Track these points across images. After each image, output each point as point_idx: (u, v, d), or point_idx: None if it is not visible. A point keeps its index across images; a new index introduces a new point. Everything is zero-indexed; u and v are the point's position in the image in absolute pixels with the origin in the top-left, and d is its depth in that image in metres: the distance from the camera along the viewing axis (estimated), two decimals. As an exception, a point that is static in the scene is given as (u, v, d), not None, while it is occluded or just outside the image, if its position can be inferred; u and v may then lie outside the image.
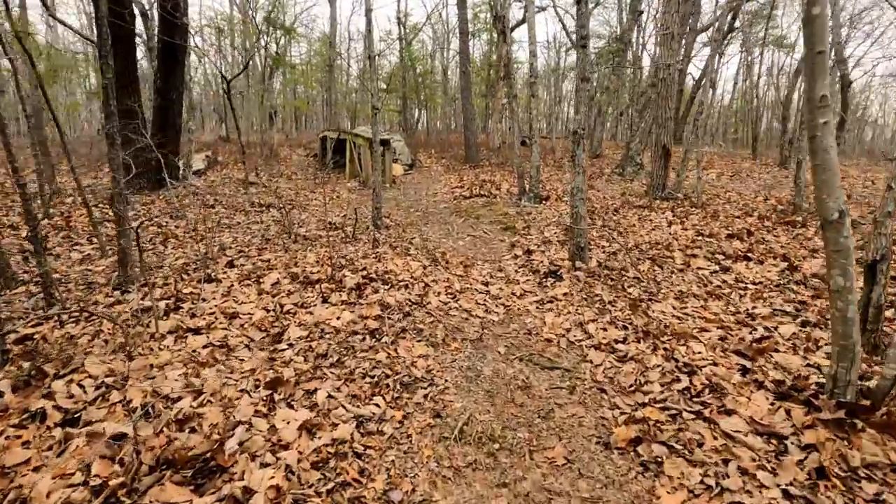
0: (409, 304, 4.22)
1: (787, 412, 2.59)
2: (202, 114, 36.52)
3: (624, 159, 13.80)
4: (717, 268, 5.30)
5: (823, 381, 2.76)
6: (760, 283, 4.86)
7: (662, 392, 2.91)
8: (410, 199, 10.81)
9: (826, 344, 3.37)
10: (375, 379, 3.07)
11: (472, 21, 24.85)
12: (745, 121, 29.84)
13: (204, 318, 3.78)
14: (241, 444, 2.32)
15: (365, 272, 4.80)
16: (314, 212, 9.07)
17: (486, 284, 5.01)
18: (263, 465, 2.24)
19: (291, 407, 2.72)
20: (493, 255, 6.31)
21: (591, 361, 3.41)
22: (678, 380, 3.01)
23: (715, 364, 3.14)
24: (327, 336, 3.58)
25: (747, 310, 4.14)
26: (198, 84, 31.82)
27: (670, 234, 6.71)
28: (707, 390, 2.87)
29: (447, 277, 5.03)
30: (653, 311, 4.11)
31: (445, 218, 8.63)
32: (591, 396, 3.04)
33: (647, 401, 2.86)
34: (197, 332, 3.57)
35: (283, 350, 3.38)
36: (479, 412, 2.89)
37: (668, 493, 2.19)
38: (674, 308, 4.22)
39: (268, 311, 3.95)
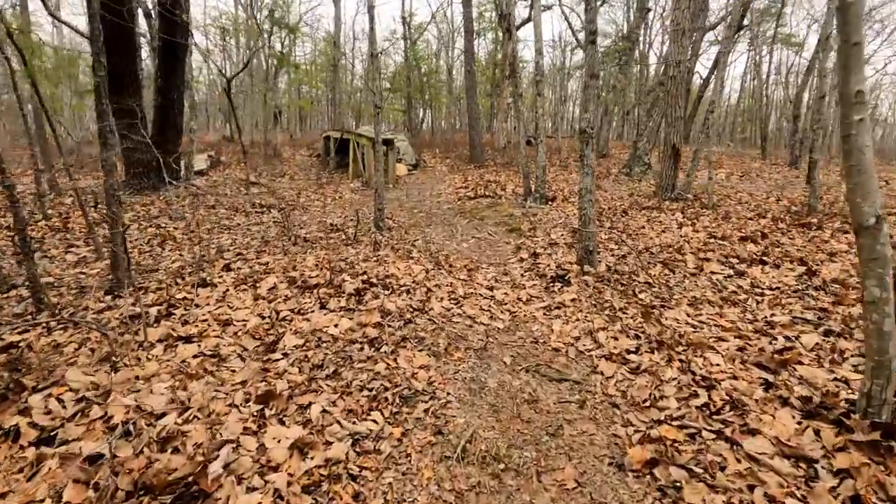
0: (411, 310, 4.05)
1: (817, 433, 2.39)
2: (207, 114, 36.55)
3: (631, 159, 13.58)
4: (731, 272, 5.09)
5: (854, 398, 2.57)
6: (777, 288, 4.65)
7: (679, 408, 2.72)
8: (414, 199, 10.64)
9: (853, 355, 3.17)
10: (373, 392, 2.90)
11: (478, 20, 24.67)
12: (754, 120, 29.52)
13: (196, 326, 3.63)
14: (226, 466, 2.15)
15: (365, 276, 4.64)
16: (316, 213, 8.92)
17: (491, 289, 4.83)
18: (250, 490, 2.07)
19: (283, 423, 2.56)
20: (499, 257, 6.13)
21: (602, 373, 3.22)
22: (696, 395, 2.82)
23: (735, 378, 2.95)
24: (324, 345, 3.42)
25: (765, 317, 3.94)
26: (203, 84, 31.83)
27: (681, 236, 6.51)
28: (727, 407, 2.68)
29: (450, 282, 4.86)
30: (666, 319, 3.92)
31: (449, 219, 8.45)
32: (602, 412, 2.86)
33: (662, 418, 2.67)
34: (188, 340, 3.41)
35: (278, 360, 3.21)
36: (483, 428, 2.71)
37: (689, 524, 2.01)
38: (688, 315, 4.02)
39: (263, 317, 3.79)
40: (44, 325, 3.65)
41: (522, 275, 5.31)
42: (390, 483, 2.25)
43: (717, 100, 8.52)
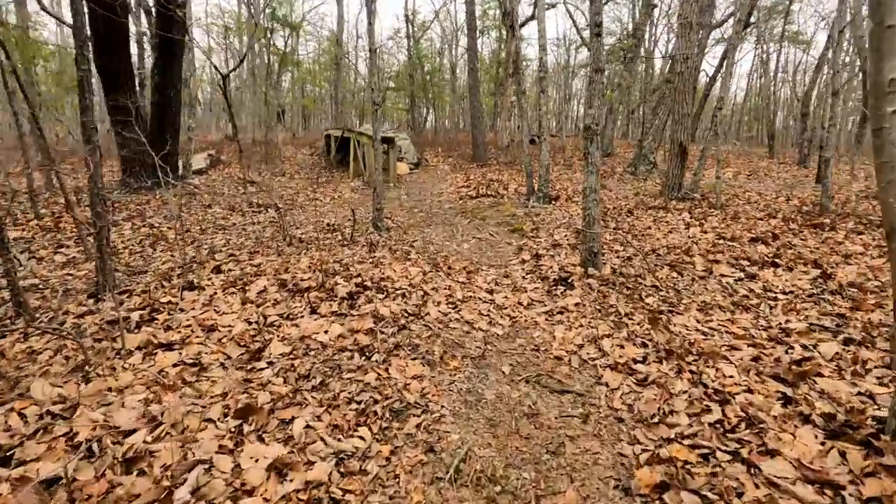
0: (406, 315, 3.86)
1: (842, 454, 2.19)
2: (212, 112, 36.46)
3: (636, 158, 13.35)
4: (741, 275, 4.88)
5: (882, 415, 2.36)
6: (791, 292, 4.43)
7: (691, 425, 2.52)
8: (415, 198, 10.46)
9: (876, 366, 2.96)
10: (362, 405, 2.71)
11: (481, 17, 24.44)
12: (760, 118, 29.19)
13: (179, 332, 3.45)
14: (195, 490, 1.97)
15: (359, 279, 4.45)
16: (314, 212, 8.75)
17: (491, 292, 4.63)
18: (220, 518, 1.89)
19: (262, 440, 2.37)
20: (500, 259, 5.93)
21: (607, 384, 3.02)
22: (708, 410, 2.61)
23: (750, 391, 2.74)
24: (312, 353, 3.23)
25: (780, 324, 3.72)
26: (206, 82, 31.76)
27: (689, 237, 6.29)
28: (743, 424, 2.47)
29: (449, 285, 4.66)
30: (674, 326, 3.71)
31: (450, 219, 8.26)
32: (607, 427, 2.66)
33: (672, 436, 2.47)
34: (169, 347, 3.23)
35: (262, 369, 3.03)
36: (478, 446, 2.51)
37: (704, 560, 1.81)
38: (698, 322, 3.81)
39: (250, 323, 3.61)
40: (21, 330, 3.49)
41: (524, 277, 5.11)
42: (375, 509, 2.06)
43: (725, 96, 8.28)
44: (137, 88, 14.79)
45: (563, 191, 10.28)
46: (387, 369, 3.07)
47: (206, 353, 3.17)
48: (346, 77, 29.44)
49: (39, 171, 8.01)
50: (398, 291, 4.27)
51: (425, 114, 31.31)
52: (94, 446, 2.16)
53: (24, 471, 2.02)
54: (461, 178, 12.59)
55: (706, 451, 2.33)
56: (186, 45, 9.87)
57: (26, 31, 10.70)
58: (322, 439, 2.41)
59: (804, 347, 3.29)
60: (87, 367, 2.85)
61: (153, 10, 13.38)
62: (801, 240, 6.07)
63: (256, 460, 2.21)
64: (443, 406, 2.81)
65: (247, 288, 4.25)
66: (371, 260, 5.20)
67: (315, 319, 3.68)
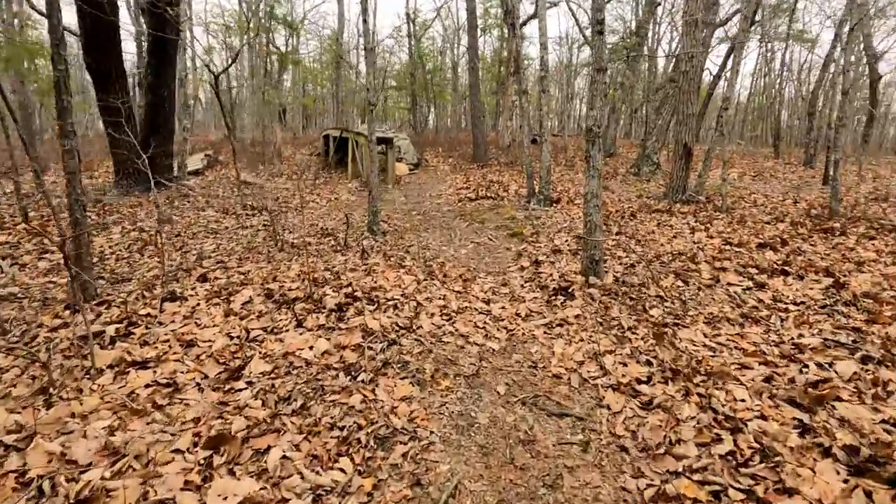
0: (396, 328, 3.66)
1: (868, 495, 1.99)
2: (213, 112, 36.29)
3: (639, 158, 13.13)
4: (750, 284, 4.67)
5: (910, 449, 2.16)
6: (803, 303, 4.22)
7: (700, 457, 2.32)
8: (413, 200, 10.26)
9: (899, 389, 2.75)
10: (345, 432, 2.52)
11: (483, 16, 24.22)
12: (765, 118, 28.90)
13: (156, 347, 3.26)
14: (152, 538, 1.78)
15: (350, 289, 4.25)
16: (310, 215, 8.56)
17: (488, 302, 4.43)
18: (178, 570, 1.70)
19: (233, 474, 2.18)
20: (498, 265, 5.73)
21: (609, 407, 2.82)
22: (719, 439, 2.41)
23: (763, 417, 2.54)
24: (295, 372, 3.04)
25: (792, 339, 3.52)
26: (207, 82, 31.58)
27: (694, 242, 6.08)
28: (757, 457, 2.27)
29: (443, 294, 4.47)
30: (680, 341, 3.50)
31: (448, 222, 8.06)
32: (609, 457, 2.46)
33: (680, 469, 2.27)
34: (143, 365, 3.04)
35: (240, 390, 2.84)
36: (469, 478, 2.32)
37: None
38: (705, 336, 3.61)
39: (231, 338, 3.42)
40: (-10, 345, 3.31)
41: (522, 286, 4.90)
42: (353, 555, 1.87)
43: (731, 96, 8.05)
44: (136, 89, 14.63)
45: (565, 192, 10.07)
46: (373, 390, 2.88)
47: (182, 372, 2.98)
48: (347, 76, 29.24)
49: (10, 172, 7.80)
50: (390, 302, 4.08)
51: (427, 113, 31.10)
52: (46, 485, 1.97)
53: (-34, 514, 1.83)
54: (461, 180, 12.38)
55: (717, 487, 2.13)
56: (181, 44, 9.67)
57: (17, 31, 10.54)
58: (299, 472, 2.22)
59: (819, 366, 3.08)
60: (51, 390, 2.66)
61: (145, 8, 13.23)
62: (811, 245, 5.85)
63: (225, 498, 2.02)
64: (432, 432, 2.61)
65: (231, 298, 4.05)
66: (364, 267, 5.00)
67: (301, 334, 3.49)
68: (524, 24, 20.97)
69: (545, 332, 3.83)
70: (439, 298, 4.36)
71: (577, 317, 4.01)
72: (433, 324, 3.84)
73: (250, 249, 5.90)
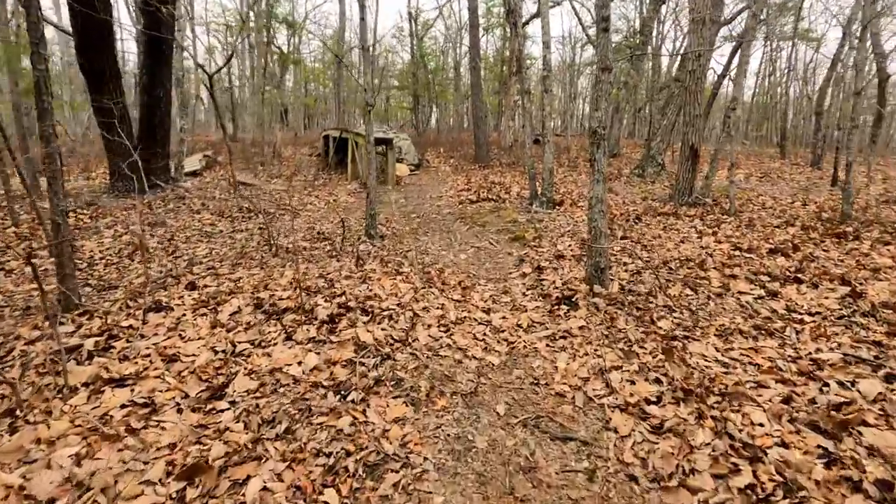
0: (391, 341, 3.48)
1: (906, 539, 1.79)
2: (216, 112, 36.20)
3: (644, 159, 12.92)
4: (762, 293, 4.46)
5: (950, 485, 1.96)
6: (818, 313, 4.02)
7: (717, 490, 2.13)
8: (413, 202, 10.08)
9: (929, 413, 2.55)
10: (331, 459, 2.33)
11: (485, 16, 24.05)
12: (770, 117, 28.64)
13: (136, 362, 3.08)
14: (109, 589, 1.60)
15: (343, 298, 4.07)
16: (307, 218, 8.38)
17: (488, 312, 4.24)
18: None
19: (208, 510, 2.00)
20: (499, 271, 5.54)
21: (616, 430, 2.63)
22: (737, 470, 2.22)
23: (784, 445, 2.35)
24: (281, 390, 2.86)
25: (810, 354, 3.32)
26: (203, 82, 31.46)
27: (702, 247, 5.87)
28: (780, 491, 2.08)
29: (442, 303, 4.28)
30: (691, 355, 3.31)
31: (448, 225, 7.88)
32: (617, 488, 2.27)
33: (695, 504, 2.08)
34: (121, 383, 2.87)
35: (222, 411, 2.66)
36: (465, 512, 2.13)
37: None
38: (716, 350, 3.41)
39: (217, 352, 3.24)
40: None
41: (524, 294, 4.71)
42: None
43: (739, 96, 7.84)
44: (134, 89, 14.46)
45: (568, 194, 9.88)
46: (364, 411, 2.69)
47: (161, 391, 2.80)
48: (349, 76, 29.14)
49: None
50: (385, 313, 3.89)
51: (428, 113, 30.93)
52: (-3, 526, 1.79)
53: None
54: (462, 181, 12.20)
55: (737, 527, 1.94)
56: (177, 43, 9.51)
57: (13, 30, 10.39)
58: (279, 507, 2.03)
59: (841, 385, 2.88)
60: (18, 412, 2.49)
61: (140, 6, 13.09)
62: (824, 251, 5.64)
63: (196, 539, 1.83)
64: (426, 458, 2.42)
65: (219, 308, 3.88)
66: (359, 274, 4.82)
67: (289, 348, 3.30)
68: (526, 23, 20.76)
69: (548, 345, 3.64)
70: (437, 308, 4.17)
71: (581, 328, 3.82)
72: (430, 336, 3.66)
73: (243, 255, 5.72)
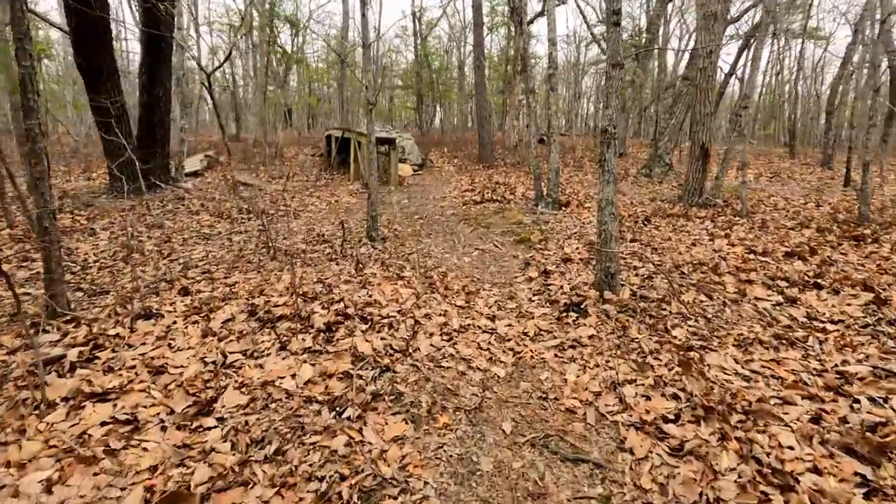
0: (391, 352, 3.30)
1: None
2: (221, 112, 36.16)
3: (651, 159, 12.69)
4: (780, 299, 4.26)
5: None
6: (841, 321, 3.81)
7: (746, 524, 1.94)
8: (416, 203, 9.90)
9: (973, 435, 2.35)
10: (324, 484, 2.16)
11: (490, 14, 23.85)
12: (777, 116, 28.31)
13: (121, 374, 2.92)
14: None
15: (341, 304, 3.89)
16: (308, 219, 8.22)
17: (493, 319, 4.06)
18: None
19: (187, 544, 1.82)
20: (504, 275, 5.35)
21: (632, 452, 2.44)
22: (767, 500, 2.02)
23: (818, 471, 2.15)
24: (273, 406, 2.68)
25: (836, 366, 3.12)
26: (201, 82, 31.42)
27: (714, 250, 5.67)
28: (817, 526, 1.88)
29: (444, 310, 4.10)
30: (709, 368, 3.11)
31: (452, 227, 7.69)
32: (634, 518, 2.08)
33: (723, 539, 1.89)
34: (103, 397, 2.70)
35: (209, 429, 2.48)
36: (469, 544, 1.95)
37: None
38: (736, 362, 3.22)
39: (206, 363, 3.07)
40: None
41: (530, 300, 4.52)
42: None
43: (750, 94, 7.61)
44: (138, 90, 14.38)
45: (574, 195, 9.68)
46: (360, 430, 2.51)
47: (145, 406, 2.63)
48: (353, 75, 28.98)
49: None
50: (384, 321, 3.71)
51: (432, 113, 30.77)
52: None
53: None
54: (466, 181, 12.01)
55: (771, 568, 1.75)
56: (178, 42, 9.37)
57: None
58: (265, 541, 1.86)
59: (872, 401, 2.68)
60: (-10, 431, 2.32)
61: (139, 4, 12.96)
62: (842, 254, 5.43)
63: (172, 579, 1.66)
64: (427, 483, 2.24)
65: (212, 316, 3.71)
66: (359, 279, 4.64)
67: (283, 358, 3.13)
68: (531, 21, 20.54)
69: (556, 356, 3.45)
70: (440, 315, 3.99)
71: (591, 337, 3.63)
72: (432, 345, 3.48)
73: (240, 258, 5.56)
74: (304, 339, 3.34)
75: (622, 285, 4.40)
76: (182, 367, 3.02)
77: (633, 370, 3.15)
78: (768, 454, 2.27)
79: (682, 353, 3.29)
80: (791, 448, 2.31)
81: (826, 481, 2.09)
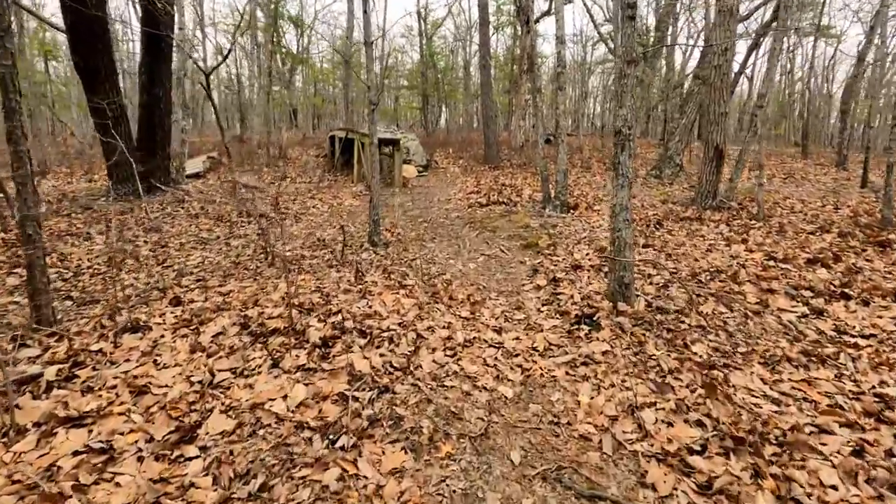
0: (390, 370, 3.08)
1: None
2: (226, 114, 36.15)
3: (661, 159, 12.41)
4: (805, 310, 4.01)
5: None
6: (873, 336, 3.56)
7: (790, 582, 1.70)
8: (420, 206, 9.68)
9: None
10: (313, 527, 1.94)
11: (495, 13, 23.62)
12: (788, 116, 27.90)
13: (100, 395, 2.71)
14: None
15: (339, 317, 3.68)
16: (310, 222, 8.03)
17: (499, 332, 3.83)
18: None
19: None
20: (511, 283, 5.12)
21: (654, 488, 2.20)
22: (812, 552, 1.79)
23: (867, 517, 1.91)
24: (261, 432, 2.47)
25: (873, 388, 2.87)
26: (199, 83, 31.40)
27: (732, 256, 5.41)
28: (873, 586, 1.65)
29: (448, 322, 3.87)
30: (735, 390, 2.87)
31: (457, 230, 7.47)
32: (660, 569, 1.85)
33: None
34: (79, 422, 2.50)
35: (190, 459, 2.28)
36: None
37: None
38: (763, 382, 2.97)
39: (192, 382, 2.86)
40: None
41: (539, 310, 4.29)
42: None
43: (768, 93, 7.33)
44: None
45: (583, 197, 9.42)
46: (355, 460, 2.29)
47: (122, 433, 2.42)
48: (357, 75, 28.84)
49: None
50: (384, 334, 3.49)
51: (438, 113, 30.57)
52: None
53: None
54: (471, 183, 11.79)
55: None
56: (177, 43, 9.20)
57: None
58: None
59: (919, 430, 2.43)
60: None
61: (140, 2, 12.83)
62: (867, 261, 5.16)
63: None
64: (427, 524, 2.02)
65: (202, 329, 3.50)
66: (359, 288, 4.43)
67: (275, 377, 2.92)
68: (538, 20, 20.30)
69: (567, 373, 3.22)
70: (443, 327, 3.77)
71: (605, 353, 3.39)
72: (435, 361, 3.26)
73: (237, 264, 5.36)
74: (297, 356, 3.13)
75: (637, 295, 4.15)
76: (166, 386, 2.81)
77: (652, 391, 2.91)
78: (810, 495, 2.03)
79: (704, 371, 3.05)
80: (834, 488, 2.07)
81: (878, 529, 1.85)
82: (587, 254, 5.68)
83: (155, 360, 3.09)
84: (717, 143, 7.55)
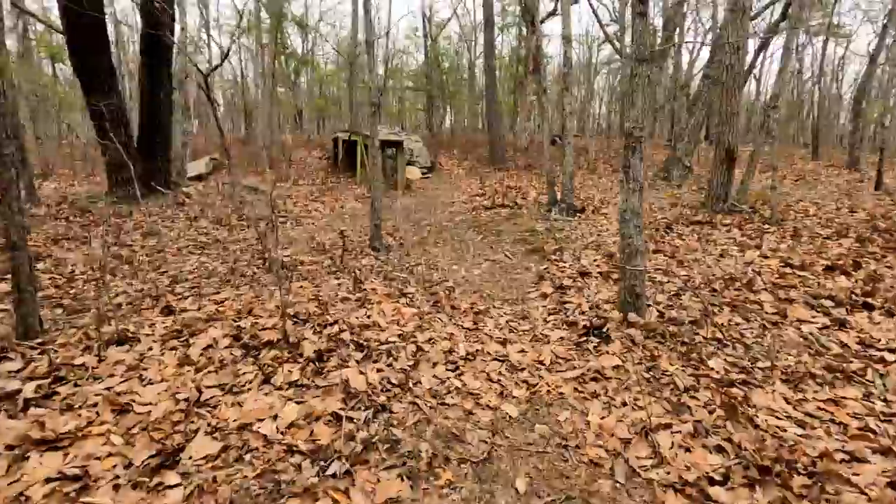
0: (388, 387, 2.91)
1: None
2: (231, 116, 36.21)
3: (669, 161, 12.19)
4: (827, 321, 3.80)
5: None
6: (901, 349, 3.35)
7: None
8: (424, 209, 9.52)
9: None
10: (298, 568, 1.77)
11: (500, 14, 23.45)
12: (796, 116, 27.54)
13: (80, 415, 2.56)
14: None
15: (336, 328, 3.52)
16: (311, 226, 7.88)
17: (504, 344, 3.65)
18: None
19: None
20: (516, 290, 4.94)
21: (673, 523, 2.02)
22: None
23: (913, 562, 1.72)
24: (247, 457, 2.30)
25: (905, 408, 2.67)
26: (198, 83, 31.39)
27: (746, 263, 5.21)
28: None
29: (450, 333, 3.70)
30: (756, 411, 2.68)
31: (461, 234, 7.30)
32: None
33: None
34: (55, 444, 2.34)
35: (170, 487, 2.11)
36: None
37: None
38: (787, 402, 2.78)
39: (178, 400, 2.70)
40: None
41: (545, 320, 4.11)
42: None
43: (781, 93, 7.12)
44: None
45: (589, 200, 9.23)
46: (347, 490, 2.12)
47: (100, 457, 2.26)
48: (362, 77, 28.74)
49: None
50: (383, 347, 3.33)
51: (443, 114, 30.41)
52: None
53: None
54: (476, 185, 11.62)
55: None
56: (178, 45, 9.10)
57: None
58: None
59: (960, 458, 2.23)
60: None
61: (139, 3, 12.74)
62: (888, 268, 4.94)
63: None
64: (424, 564, 1.85)
65: (192, 341, 3.35)
66: (357, 296, 4.26)
67: (265, 394, 2.76)
68: (543, 20, 20.10)
69: (576, 390, 3.04)
70: (445, 338, 3.60)
71: (615, 368, 3.21)
72: (435, 376, 3.08)
73: (234, 270, 5.21)
74: (290, 371, 2.96)
75: (648, 305, 3.96)
76: (151, 404, 2.65)
77: (667, 411, 2.73)
78: (846, 536, 1.84)
79: (722, 389, 2.86)
80: (873, 526, 1.88)
81: (926, 578, 1.65)
82: (595, 260, 5.50)
83: (140, 376, 2.94)
84: (728, 144, 7.33)
